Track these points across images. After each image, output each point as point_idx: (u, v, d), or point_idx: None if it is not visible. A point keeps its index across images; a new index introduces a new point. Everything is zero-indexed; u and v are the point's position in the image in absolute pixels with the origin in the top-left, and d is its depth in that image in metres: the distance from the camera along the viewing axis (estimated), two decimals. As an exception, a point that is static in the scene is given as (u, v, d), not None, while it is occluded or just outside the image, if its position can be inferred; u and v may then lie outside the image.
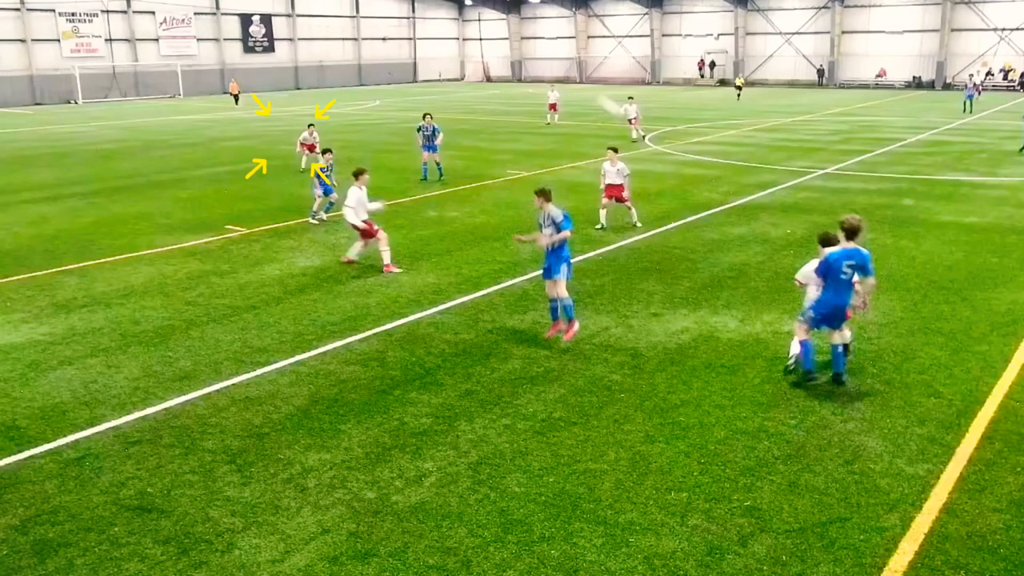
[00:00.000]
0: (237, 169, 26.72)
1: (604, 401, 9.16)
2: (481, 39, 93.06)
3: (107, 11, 64.95)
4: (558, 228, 10.14)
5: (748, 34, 76.82)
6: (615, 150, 16.86)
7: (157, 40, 68.65)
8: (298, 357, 10.45)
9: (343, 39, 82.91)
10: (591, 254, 15.24)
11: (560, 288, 10.39)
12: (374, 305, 12.47)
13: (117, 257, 15.55)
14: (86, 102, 62.39)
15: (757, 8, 76.31)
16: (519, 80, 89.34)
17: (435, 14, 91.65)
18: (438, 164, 23.57)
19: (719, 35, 78.41)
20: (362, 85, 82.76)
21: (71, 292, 13.37)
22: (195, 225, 18.31)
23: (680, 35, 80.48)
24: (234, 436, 8.45)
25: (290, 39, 78.18)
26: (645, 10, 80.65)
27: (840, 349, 9.20)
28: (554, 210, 10.16)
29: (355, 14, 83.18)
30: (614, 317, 11.80)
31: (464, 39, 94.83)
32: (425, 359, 10.38)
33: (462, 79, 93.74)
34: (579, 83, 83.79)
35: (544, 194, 10.22)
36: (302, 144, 25.80)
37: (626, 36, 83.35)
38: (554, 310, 10.65)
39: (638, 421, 8.68)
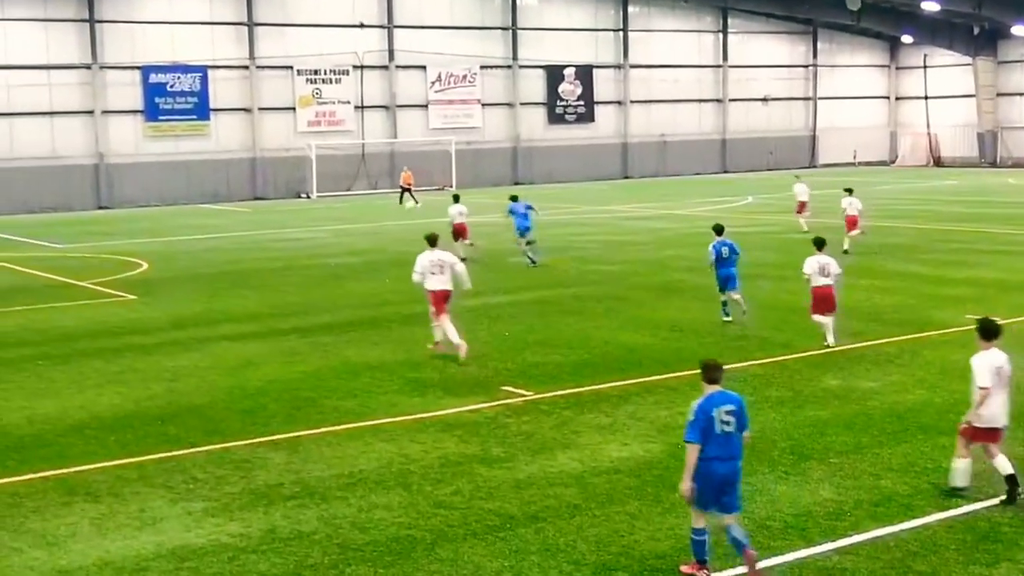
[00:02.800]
0: (523, 299, 28.19)
1: None
2: (927, 97, 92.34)
3: (361, 66, 73.17)
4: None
5: None
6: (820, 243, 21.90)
7: (425, 106, 75.90)
8: (600, 606, 10.48)
9: (700, 101, 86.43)
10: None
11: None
12: (728, 530, 12.28)
13: (343, 426, 16.79)
14: (321, 196, 69.85)
15: None
16: (991, 164, 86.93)
17: (850, 59, 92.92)
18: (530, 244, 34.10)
19: None
20: (725, 172, 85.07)
21: (275, 474, 14.59)
22: (458, 383, 19.38)
23: None
24: None
25: (618, 102, 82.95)
26: None
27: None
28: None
29: (720, 62, 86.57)
30: None
31: (897, 98, 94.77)
32: (811, 630, 9.97)
33: (892, 162, 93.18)
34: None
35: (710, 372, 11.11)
36: (454, 225, 34.43)
37: None
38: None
39: None
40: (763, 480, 13.90)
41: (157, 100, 67.55)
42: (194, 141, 68.94)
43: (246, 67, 69.95)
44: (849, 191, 37.15)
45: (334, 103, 72.78)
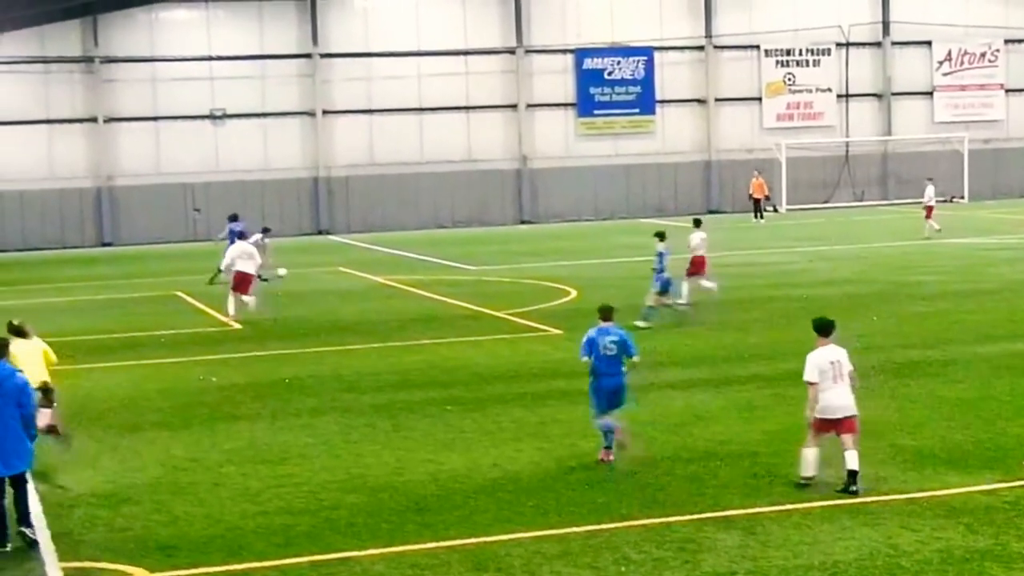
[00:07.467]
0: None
1: None
2: None
3: (847, 44, 72.52)
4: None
5: None
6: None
7: (930, 94, 74.37)
8: None
9: None
10: None
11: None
12: None
13: (813, 503, 16.70)
14: (792, 209, 69.77)
15: None
16: None
17: None
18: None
19: None
20: None
21: (726, 560, 14.66)
22: (966, 453, 18.92)
23: None
24: None
25: None
26: None
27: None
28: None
29: None
30: None
31: None
32: None
33: None
34: None
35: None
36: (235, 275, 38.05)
37: None
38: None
39: None
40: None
41: (592, 91, 69.63)
42: (636, 140, 70.52)
43: (700, 47, 70.95)
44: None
45: (811, 91, 72.66)
